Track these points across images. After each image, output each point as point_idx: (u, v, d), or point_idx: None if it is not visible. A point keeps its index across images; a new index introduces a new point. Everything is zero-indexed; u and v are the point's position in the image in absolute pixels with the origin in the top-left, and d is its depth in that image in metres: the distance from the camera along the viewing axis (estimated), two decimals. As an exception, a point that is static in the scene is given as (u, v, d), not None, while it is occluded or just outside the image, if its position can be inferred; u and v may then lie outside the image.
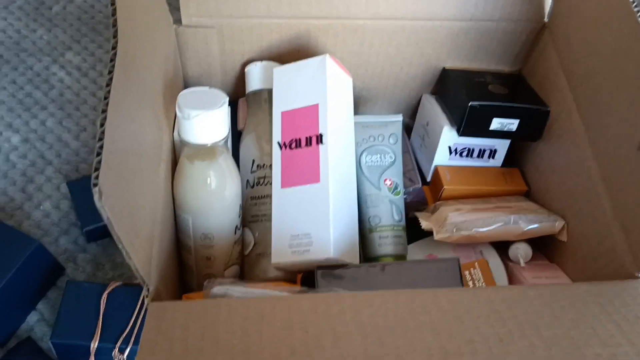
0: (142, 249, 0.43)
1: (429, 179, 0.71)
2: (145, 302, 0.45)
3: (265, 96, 0.64)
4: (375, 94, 0.73)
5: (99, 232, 0.67)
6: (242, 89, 0.69)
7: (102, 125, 0.36)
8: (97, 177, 0.34)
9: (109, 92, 0.39)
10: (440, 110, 0.69)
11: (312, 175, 0.56)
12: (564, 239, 0.61)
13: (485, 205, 0.65)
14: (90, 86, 0.81)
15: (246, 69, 0.66)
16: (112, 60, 0.42)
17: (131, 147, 0.44)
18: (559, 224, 0.61)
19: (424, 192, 0.69)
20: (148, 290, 0.45)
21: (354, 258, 0.58)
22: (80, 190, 0.68)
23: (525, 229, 0.61)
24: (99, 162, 0.34)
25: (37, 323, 0.62)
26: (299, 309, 0.44)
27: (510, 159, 0.72)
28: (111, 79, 0.40)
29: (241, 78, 0.69)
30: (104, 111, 0.38)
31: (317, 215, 0.55)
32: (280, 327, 0.42)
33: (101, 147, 0.36)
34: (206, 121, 0.51)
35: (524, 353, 0.40)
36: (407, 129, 0.78)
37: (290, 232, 0.56)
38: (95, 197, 0.34)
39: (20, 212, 0.69)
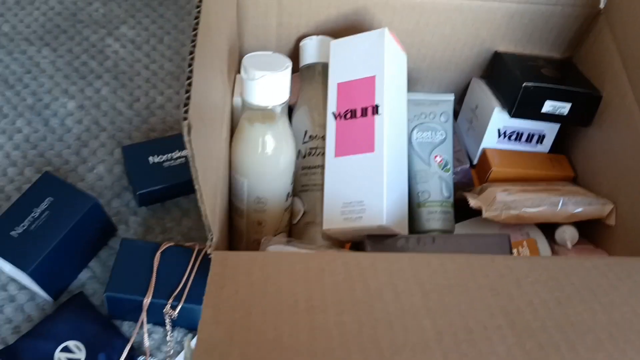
0: (208, 197, 0.44)
1: (475, 161, 0.71)
2: (209, 251, 0.46)
3: (320, 69, 0.65)
4: (425, 75, 0.74)
5: (150, 197, 0.69)
6: (294, 65, 0.70)
7: (190, 70, 0.37)
8: (186, 112, 0.35)
9: (194, 47, 0.40)
10: (490, 93, 0.70)
11: (366, 144, 0.57)
12: (612, 222, 0.61)
13: (534, 187, 0.65)
14: (143, 59, 0.83)
15: (301, 43, 0.67)
16: (196, 19, 0.43)
17: (206, 103, 0.45)
18: (607, 207, 0.61)
19: (471, 173, 0.69)
20: (212, 239, 0.46)
21: (404, 229, 0.58)
22: (135, 155, 0.70)
23: (574, 212, 0.61)
24: (188, 98, 0.35)
25: (88, 280, 0.64)
26: (358, 265, 0.44)
27: (557, 147, 0.72)
28: (195, 36, 0.42)
29: (295, 53, 0.70)
30: (191, 64, 0.39)
31: (370, 183, 0.56)
32: (341, 280, 0.43)
33: (190, 84, 0.37)
34: (269, 83, 0.52)
35: (584, 316, 0.40)
36: (455, 113, 0.78)
37: (342, 200, 0.57)
38: (184, 131, 0.35)
39: (74, 174, 0.71)
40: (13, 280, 0.63)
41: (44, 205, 0.61)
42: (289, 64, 0.53)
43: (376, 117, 0.58)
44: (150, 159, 0.70)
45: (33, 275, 0.57)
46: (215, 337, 0.37)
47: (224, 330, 0.38)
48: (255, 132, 0.55)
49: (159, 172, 0.69)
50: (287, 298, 0.41)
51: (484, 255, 0.46)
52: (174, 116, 0.78)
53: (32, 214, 0.60)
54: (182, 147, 0.71)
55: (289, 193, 0.60)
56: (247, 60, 0.53)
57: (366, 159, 0.57)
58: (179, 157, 0.70)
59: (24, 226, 0.60)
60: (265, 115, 0.55)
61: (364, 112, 0.59)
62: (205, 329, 0.38)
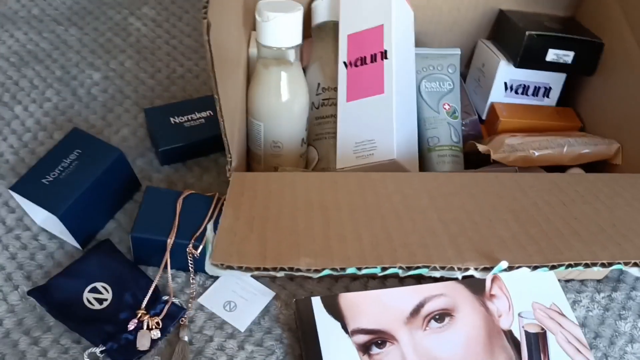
0: (227, 118, 0.47)
1: (484, 116, 0.74)
2: (228, 174, 0.49)
3: (331, 26, 0.68)
4: (431, 38, 0.77)
5: (172, 155, 0.72)
6: (306, 30, 0.74)
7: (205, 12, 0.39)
8: (205, 13, 0.38)
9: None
10: (496, 49, 0.72)
11: (376, 87, 0.60)
12: (619, 161, 0.62)
13: (541, 134, 0.67)
14: (164, 35, 0.87)
15: (313, 5, 0.71)
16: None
17: (221, 45, 0.48)
18: (613, 146, 0.63)
19: (479, 125, 0.71)
20: (231, 162, 0.49)
21: (414, 169, 0.61)
22: (157, 116, 0.73)
23: (581, 152, 0.63)
24: (207, 2, 0.38)
25: (115, 230, 0.67)
26: (369, 178, 0.47)
27: (564, 101, 0.74)
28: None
29: (306, 17, 0.73)
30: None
31: (380, 122, 0.59)
32: (353, 189, 0.45)
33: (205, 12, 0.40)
34: (283, 24, 0.55)
35: (588, 213, 0.42)
36: (462, 76, 0.81)
37: (354, 140, 0.60)
38: (204, 29, 0.38)
39: (100, 137, 0.75)
40: (44, 230, 0.66)
41: (72, 157, 0.65)
42: (300, 7, 0.56)
43: (385, 61, 0.61)
44: (172, 119, 0.73)
45: (63, 219, 0.61)
46: (235, 226, 0.40)
47: (243, 221, 0.40)
48: (270, 76, 0.59)
49: (180, 131, 0.72)
50: (303, 201, 0.43)
51: (488, 172, 0.48)
52: (193, 85, 0.82)
53: (62, 164, 0.64)
54: (201, 109, 0.74)
55: (303, 139, 0.63)
56: (261, 4, 0.56)
57: (376, 101, 0.60)
58: (199, 118, 0.74)
59: (54, 175, 0.63)
60: (279, 59, 0.58)
61: (374, 58, 0.62)
62: (225, 220, 0.41)
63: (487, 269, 0.35)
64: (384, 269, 0.34)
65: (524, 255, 0.37)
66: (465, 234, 0.38)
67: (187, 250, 0.61)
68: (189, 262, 0.62)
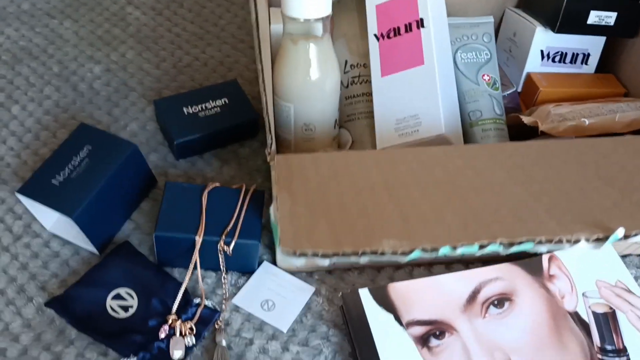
0: (265, 99, 0.42)
1: (519, 89, 0.69)
2: (269, 159, 0.44)
3: (355, -2, 0.64)
4: (457, 9, 0.72)
5: (188, 148, 0.67)
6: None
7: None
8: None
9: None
10: (528, 16, 0.68)
11: (415, 58, 0.55)
12: (676, 125, 0.58)
13: (588, 102, 0.63)
14: (165, 23, 0.82)
15: (333, -23, 0.66)
16: None
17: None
18: (669, 109, 0.59)
19: (518, 97, 0.67)
20: (271, 145, 0.44)
21: (460, 143, 0.56)
22: (169, 107, 0.68)
23: (635, 117, 0.59)
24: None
25: (133, 231, 0.62)
26: (429, 154, 0.42)
27: (601, 69, 0.70)
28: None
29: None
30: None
31: (424, 95, 0.54)
32: (415, 166, 0.40)
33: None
34: (313, -9, 0.50)
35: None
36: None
37: (394, 117, 0.55)
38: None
39: (107, 134, 0.69)
40: (56, 236, 0.61)
41: (83, 154, 0.59)
42: (331, -26, 0.51)
43: (422, 30, 0.56)
44: (185, 110, 0.68)
45: (78, 221, 0.55)
46: (297, 211, 0.35)
47: (303, 206, 0.35)
48: (299, 52, 0.53)
49: (195, 121, 0.67)
50: (363, 181, 0.38)
51: (560, 140, 0.44)
52: (202, 73, 0.76)
53: (72, 162, 0.58)
54: (216, 97, 0.69)
55: (336, 120, 0.58)
56: (289, -28, 0.51)
57: (416, 73, 0.55)
58: (214, 107, 0.68)
59: (64, 174, 0.57)
60: (307, 33, 0.53)
61: (408, 27, 0.57)
62: (284, 206, 0.36)
63: (601, 240, 0.31)
64: (482, 246, 0.30)
65: (637, 222, 0.32)
66: (561, 206, 0.33)
67: (219, 247, 0.55)
68: (220, 260, 0.57)
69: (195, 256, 0.56)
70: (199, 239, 0.55)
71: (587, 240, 0.31)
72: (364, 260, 0.31)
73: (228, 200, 0.58)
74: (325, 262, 0.31)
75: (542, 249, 0.32)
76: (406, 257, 0.31)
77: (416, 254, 0.31)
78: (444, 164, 0.40)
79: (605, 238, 0.31)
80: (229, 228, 0.56)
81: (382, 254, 0.31)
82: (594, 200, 0.35)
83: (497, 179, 0.37)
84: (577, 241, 0.31)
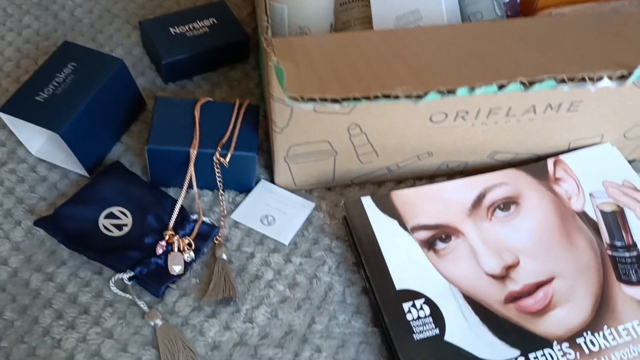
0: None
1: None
2: (265, 44, 0.42)
3: None
4: None
5: (177, 69, 0.64)
6: None
7: None
8: None
9: None
10: None
11: (413, -46, 0.53)
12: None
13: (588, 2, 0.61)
14: (147, -48, 0.78)
15: None
16: None
17: None
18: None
19: (518, 7, 0.65)
20: (268, 28, 0.41)
21: (462, 45, 0.54)
22: (155, 28, 0.64)
23: (638, 15, 0.57)
24: None
25: (123, 153, 0.59)
26: (437, 30, 0.40)
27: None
28: None
29: None
30: None
31: (423, -10, 0.52)
32: (422, 37, 0.38)
33: None
34: None
35: None
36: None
37: (394, 15, 0.52)
38: None
39: (91, 61, 0.66)
40: (42, 161, 0.58)
41: (67, 70, 0.56)
42: None
43: None
44: (172, 30, 0.65)
45: (66, 137, 0.52)
46: (299, 62, 0.33)
47: (302, 61, 0.33)
48: (292, -53, 0.51)
49: (183, 41, 0.64)
50: (371, 53, 0.36)
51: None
52: (189, -1, 0.73)
53: (57, 79, 0.55)
54: (203, 17, 0.66)
55: (332, 24, 0.56)
56: None
57: (415, -32, 0.53)
58: (202, 27, 0.65)
59: (49, 91, 0.55)
60: None
61: None
62: (286, 65, 0.34)
63: (624, 77, 0.29)
64: (501, 86, 0.28)
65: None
66: (581, 49, 0.31)
67: (214, 159, 0.53)
68: (217, 176, 0.55)
69: (191, 170, 0.53)
70: (193, 152, 0.53)
71: (610, 78, 0.29)
72: (377, 103, 0.29)
73: (222, 114, 0.56)
74: (336, 107, 0.28)
75: (565, 88, 0.30)
76: (421, 101, 0.29)
77: (432, 97, 0.29)
78: (453, 30, 0.37)
79: (629, 75, 0.30)
80: (224, 140, 0.54)
81: (396, 97, 0.29)
82: (613, 49, 0.33)
83: (515, 34, 0.35)
84: (599, 79, 0.29)
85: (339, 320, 0.49)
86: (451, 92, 0.29)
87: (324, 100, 0.29)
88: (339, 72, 0.31)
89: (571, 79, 0.29)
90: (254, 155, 0.54)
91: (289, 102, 0.31)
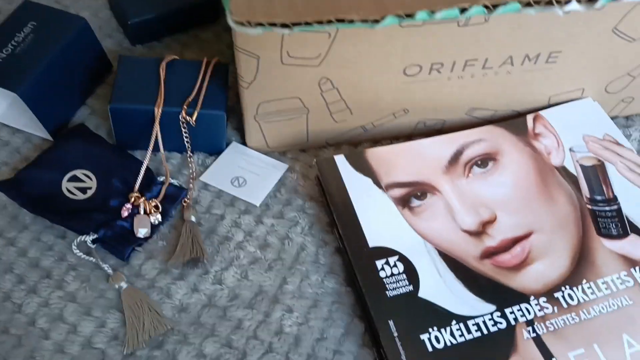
0: None
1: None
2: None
3: None
4: None
5: (144, 30, 0.61)
6: None
7: None
8: None
9: None
10: None
11: None
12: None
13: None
14: None
15: None
16: None
17: None
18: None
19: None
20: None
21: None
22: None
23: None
24: None
25: (88, 117, 0.57)
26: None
27: None
28: None
29: None
30: None
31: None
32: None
33: None
34: None
35: None
36: None
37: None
38: None
39: (57, 25, 0.64)
40: (5, 126, 0.56)
41: (27, 30, 0.54)
42: None
43: None
44: (139, -11, 0.63)
45: (25, 98, 0.50)
46: None
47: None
48: None
49: (150, 1, 0.62)
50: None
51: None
52: (158, -40, 0.70)
53: (16, 39, 0.53)
54: (172, -23, 0.64)
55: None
56: None
57: None
58: (171, -13, 0.63)
59: (7, 51, 0.52)
60: None
61: None
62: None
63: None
64: (463, 10, 0.26)
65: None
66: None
67: (180, 118, 0.51)
68: (184, 136, 0.53)
69: (156, 129, 0.51)
70: (158, 110, 0.51)
71: (579, 0, 0.28)
72: (331, 28, 0.27)
73: (189, 72, 0.54)
74: (285, 32, 0.26)
75: (531, 12, 0.28)
76: (378, 25, 0.27)
77: (390, 21, 0.27)
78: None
79: (599, -2, 0.28)
80: (190, 98, 0.52)
81: (351, 22, 0.27)
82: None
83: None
84: (568, 1, 0.27)
85: (312, 280, 0.48)
86: (410, 16, 0.27)
87: (272, 25, 0.27)
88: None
89: (537, 2, 0.28)
90: (222, 113, 0.52)
91: (235, 27, 0.29)
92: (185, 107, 0.51)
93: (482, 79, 0.51)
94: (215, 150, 0.55)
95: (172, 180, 0.52)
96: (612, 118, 0.59)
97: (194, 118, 0.51)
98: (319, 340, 0.45)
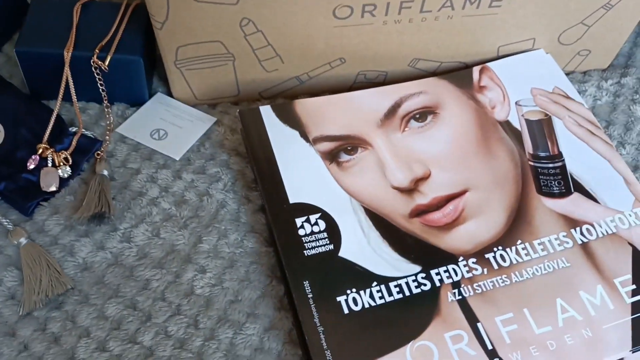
0: None
1: None
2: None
3: None
4: None
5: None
6: None
7: None
8: None
9: None
10: None
11: None
12: None
13: None
14: None
15: None
16: None
17: None
18: None
19: None
20: None
21: None
22: None
23: None
24: None
25: (3, 64, 0.53)
26: None
27: None
28: None
29: None
30: None
31: None
32: None
33: None
34: None
35: None
36: None
37: None
38: None
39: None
40: None
41: None
42: None
43: None
44: None
45: None
46: None
47: None
48: None
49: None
50: None
51: None
52: None
53: None
54: None
55: None
56: None
57: None
58: None
59: None
60: None
61: None
62: None
63: None
64: None
65: None
66: None
67: (92, 62, 0.47)
68: (99, 83, 0.49)
69: (66, 74, 0.47)
70: (67, 54, 0.47)
71: None
72: None
73: (106, 15, 0.49)
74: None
75: None
76: None
77: None
78: None
79: None
80: (104, 42, 0.48)
81: None
82: None
83: None
84: None
85: (230, 239, 0.44)
86: None
87: None
88: None
89: None
90: (137, 58, 0.47)
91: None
92: (97, 51, 0.47)
93: (422, 24, 0.47)
94: (138, 101, 0.51)
95: (86, 132, 0.48)
96: (569, 73, 0.55)
97: (107, 63, 0.47)
98: (233, 303, 0.42)
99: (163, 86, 0.53)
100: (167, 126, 0.50)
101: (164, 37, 0.45)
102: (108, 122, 0.49)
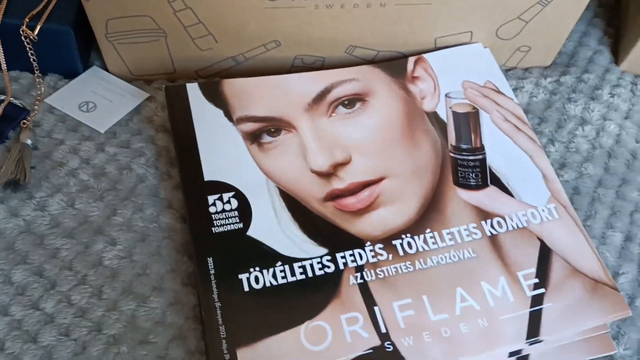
0: None
1: None
2: None
3: None
4: None
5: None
6: None
7: None
8: None
9: None
10: None
11: None
12: None
13: None
14: None
15: None
16: None
17: None
18: None
19: None
20: None
21: None
22: None
23: None
24: None
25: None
26: None
27: None
28: None
29: None
30: None
31: None
32: None
33: None
34: None
35: None
36: None
37: None
38: None
39: None
40: None
41: None
42: None
43: None
44: None
45: None
46: None
47: None
48: None
49: None
50: None
51: None
52: None
53: None
54: None
55: None
56: None
57: None
58: None
59: None
60: None
61: None
62: None
63: None
64: None
65: None
66: None
67: (21, 31, 0.47)
68: (29, 53, 0.49)
69: (-5, 41, 0.47)
70: (-4, 21, 0.47)
71: None
72: None
73: (41, -15, 0.50)
74: None
75: None
76: None
77: None
78: None
79: None
80: (35, 11, 0.48)
81: None
82: None
83: None
84: None
85: (145, 214, 0.44)
86: None
87: None
88: None
89: None
90: (67, 29, 0.47)
91: None
92: (27, 20, 0.47)
93: (354, 10, 0.47)
94: (71, 73, 0.51)
95: (14, 100, 0.48)
96: (510, 69, 0.55)
97: (36, 33, 0.47)
98: (139, 276, 0.42)
99: (100, 60, 0.53)
100: (98, 99, 0.50)
101: (92, 8, 0.45)
102: (38, 93, 0.49)
